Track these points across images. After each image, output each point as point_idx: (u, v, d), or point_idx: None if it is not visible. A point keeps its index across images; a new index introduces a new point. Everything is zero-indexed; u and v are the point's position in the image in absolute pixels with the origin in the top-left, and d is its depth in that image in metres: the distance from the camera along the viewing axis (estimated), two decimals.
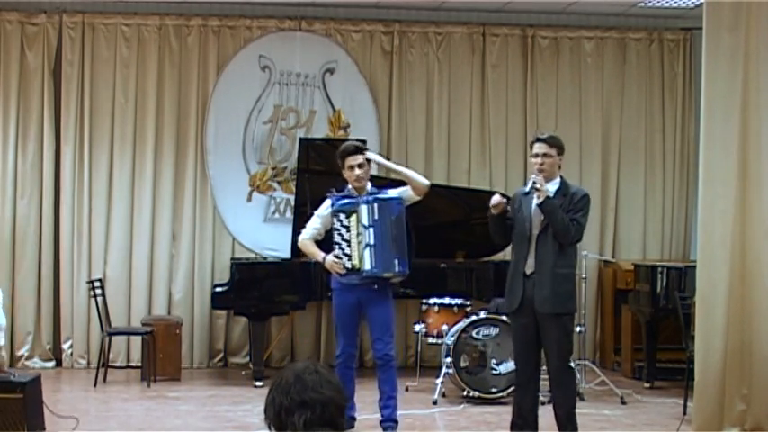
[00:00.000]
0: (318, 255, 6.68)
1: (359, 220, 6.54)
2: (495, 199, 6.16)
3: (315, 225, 6.77)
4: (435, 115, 10.21)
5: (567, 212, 6.05)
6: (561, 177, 6.22)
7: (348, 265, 6.55)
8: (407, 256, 6.63)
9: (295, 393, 2.69)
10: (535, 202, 6.06)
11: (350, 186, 6.69)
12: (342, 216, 6.58)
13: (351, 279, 6.59)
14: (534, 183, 6.04)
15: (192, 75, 9.93)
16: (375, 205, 6.55)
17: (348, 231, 6.56)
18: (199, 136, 9.94)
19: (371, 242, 6.51)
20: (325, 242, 6.79)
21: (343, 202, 6.64)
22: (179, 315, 9.68)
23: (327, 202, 6.76)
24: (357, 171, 6.59)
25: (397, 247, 6.55)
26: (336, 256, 6.57)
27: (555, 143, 6.18)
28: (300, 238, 6.86)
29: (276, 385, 2.75)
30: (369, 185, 6.70)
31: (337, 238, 6.60)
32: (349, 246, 6.55)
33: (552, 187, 6.10)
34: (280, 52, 10.03)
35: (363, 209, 6.54)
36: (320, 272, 7.66)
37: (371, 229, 6.53)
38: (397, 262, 6.54)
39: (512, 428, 6.29)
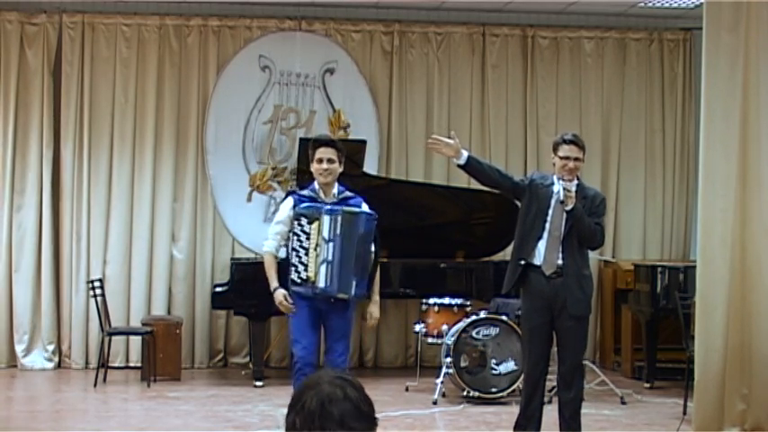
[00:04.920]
0: (273, 282, 6.02)
1: (320, 231, 5.90)
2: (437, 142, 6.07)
3: (278, 228, 6.09)
4: (435, 115, 10.21)
5: (589, 216, 6.04)
6: (577, 178, 6.19)
7: (303, 275, 5.94)
8: (368, 276, 6.02)
9: (319, 426, 2.31)
10: (566, 208, 5.98)
11: (316, 185, 6.09)
12: (303, 221, 5.93)
13: (305, 291, 5.97)
14: (566, 189, 5.97)
15: (192, 75, 9.92)
16: (339, 217, 5.90)
17: (308, 239, 5.92)
18: (199, 136, 9.94)
19: (329, 258, 5.88)
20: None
21: (306, 205, 6.00)
22: (179, 315, 9.68)
23: (289, 201, 6.12)
24: (325, 165, 5.99)
25: (359, 269, 5.93)
26: (293, 264, 5.96)
27: (583, 145, 6.12)
28: (265, 248, 6.12)
29: (298, 408, 2.36)
30: (337, 187, 6.10)
31: (295, 244, 5.96)
32: (306, 254, 5.93)
33: (572, 188, 6.05)
34: (280, 52, 10.02)
35: (326, 219, 5.90)
36: None
37: (331, 244, 5.88)
38: (354, 284, 5.92)
39: (516, 428, 6.28)
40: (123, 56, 9.83)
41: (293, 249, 5.99)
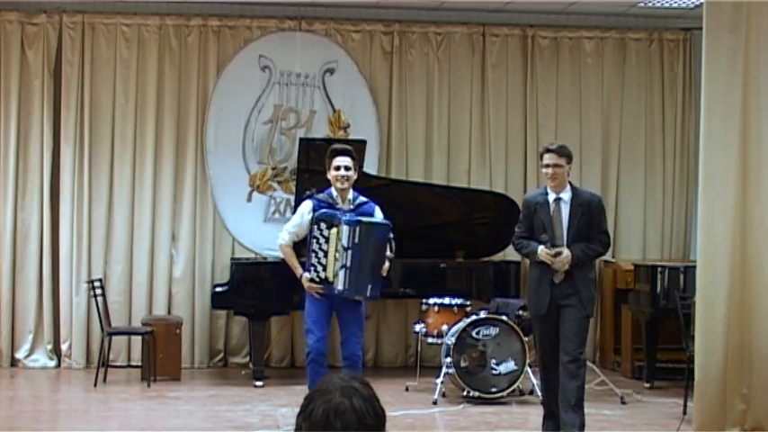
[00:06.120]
0: (297, 269, 6.68)
1: (339, 238, 6.46)
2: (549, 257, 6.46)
3: (293, 228, 6.76)
4: (435, 115, 10.21)
5: (591, 224, 6.51)
6: (571, 184, 6.64)
7: (322, 275, 6.53)
8: (380, 279, 6.66)
9: None
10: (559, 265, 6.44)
11: (333, 191, 6.66)
12: (323, 225, 6.49)
13: (322, 289, 6.57)
14: (553, 264, 6.43)
15: (192, 75, 9.92)
16: (357, 228, 6.46)
17: (327, 242, 6.49)
18: (199, 136, 9.94)
19: (348, 264, 6.45)
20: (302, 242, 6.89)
21: (326, 211, 6.56)
22: (179, 315, 9.68)
23: (308, 204, 6.71)
24: (342, 172, 6.58)
25: (374, 273, 6.54)
26: (312, 264, 6.54)
27: (564, 153, 6.57)
28: (280, 241, 6.82)
29: (306, 414, 2.36)
30: (352, 192, 6.68)
31: (314, 246, 6.53)
32: (326, 257, 6.51)
33: (565, 195, 6.54)
34: (280, 52, 10.02)
35: (345, 229, 6.45)
36: None
37: (350, 252, 6.45)
38: (370, 287, 6.54)
39: (545, 420, 6.73)
40: (123, 56, 9.83)
41: (312, 251, 6.55)
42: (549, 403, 6.72)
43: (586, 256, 6.52)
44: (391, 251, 6.68)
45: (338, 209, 6.58)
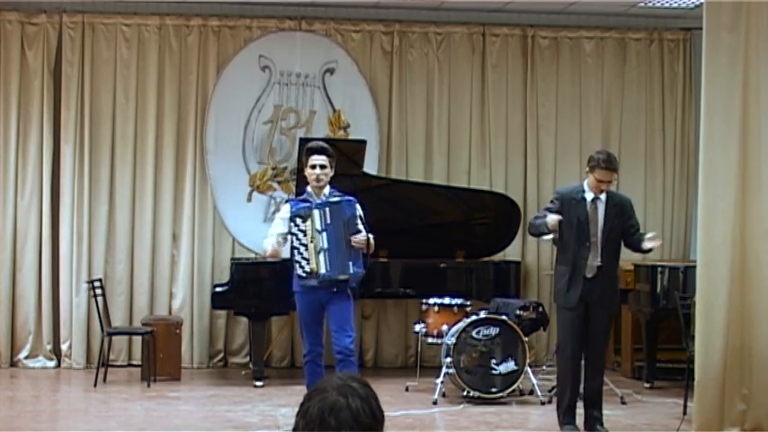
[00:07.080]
0: (278, 247, 6.88)
1: (313, 225, 6.65)
2: (555, 222, 6.68)
3: (277, 231, 6.90)
4: (435, 115, 10.21)
5: (625, 223, 6.87)
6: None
7: (307, 268, 6.65)
8: (363, 255, 6.74)
9: None
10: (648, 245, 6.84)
11: (309, 189, 6.80)
12: (299, 220, 6.67)
13: (310, 282, 6.69)
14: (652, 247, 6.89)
15: (192, 75, 9.92)
16: (327, 209, 6.65)
17: (305, 235, 6.65)
18: (199, 136, 9.94)
19: (325, 246, 6.63)
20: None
21: (299, 206, 6.74)
22: (179, 315, 9.68)
23: (287, 206, 6.92)
24: (318, 171, 6.70)
25: (351, 249, 6.66)
26: (296, 261, 6.68)
27: (617, 168, 7.07)
28: (264, 245, 6.99)
29: (303, 412, 2.37)
30: (328, 189, 6.77)
31: (295, 243, 6.69)
32: (306, 249, 6.65)
33: (602, 196, 6.86)
34: (280, 52, 10.02)
35: (316, 213, 6.65)
36: None
37: (324, 234, 6.64)
38: (351, 264, 6.67)
39: (566, 412, 6.87)
40: (123, 56, 9.83)
41: (295, 248, 6.68)
42: (572, 396, 6.84)
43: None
44: (362, 223, 6.72)
45: (312, 202, 6.73)
